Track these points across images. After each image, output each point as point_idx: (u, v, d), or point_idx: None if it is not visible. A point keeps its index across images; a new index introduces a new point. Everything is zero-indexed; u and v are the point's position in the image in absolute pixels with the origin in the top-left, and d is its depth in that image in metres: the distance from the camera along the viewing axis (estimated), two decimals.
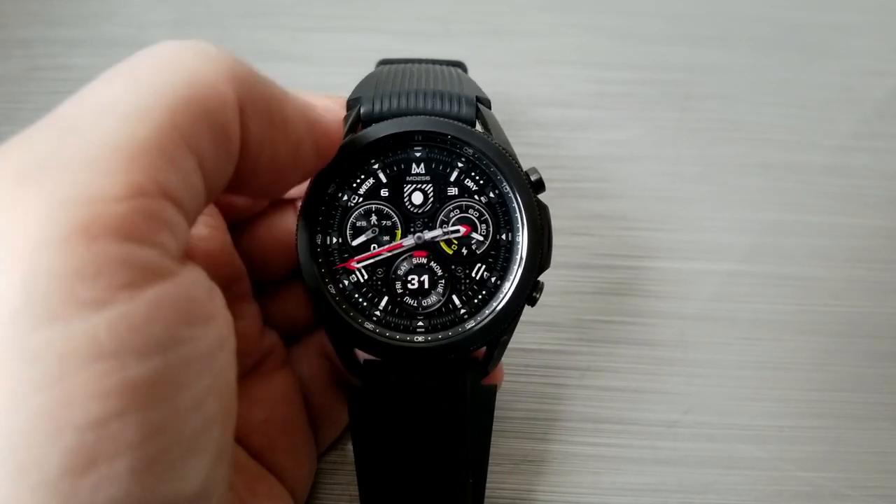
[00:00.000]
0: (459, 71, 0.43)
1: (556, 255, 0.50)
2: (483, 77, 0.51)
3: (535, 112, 0.56)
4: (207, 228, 0.36)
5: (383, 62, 0.46)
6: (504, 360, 0.45)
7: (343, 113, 0.38)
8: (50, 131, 0.24)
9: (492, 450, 0.43)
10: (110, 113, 0.24)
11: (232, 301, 0.30)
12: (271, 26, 0.59)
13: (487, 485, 0.42)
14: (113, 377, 0.21)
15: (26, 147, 0.24)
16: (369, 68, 0.45)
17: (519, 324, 0.40)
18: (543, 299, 0.47)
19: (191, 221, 0.27)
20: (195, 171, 0.26)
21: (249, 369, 0.38)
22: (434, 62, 0.45)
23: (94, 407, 0.21)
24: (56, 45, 0.58)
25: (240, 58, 0.28)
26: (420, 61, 0.45)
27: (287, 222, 0.40)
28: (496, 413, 0.45)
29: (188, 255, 0.28)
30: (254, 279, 0.40)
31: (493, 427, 0.40)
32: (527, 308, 0.39)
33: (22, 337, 0.21)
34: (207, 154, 0.26)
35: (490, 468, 0.44)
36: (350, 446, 0.44)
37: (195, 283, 0.26)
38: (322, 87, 0.55)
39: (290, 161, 0.31)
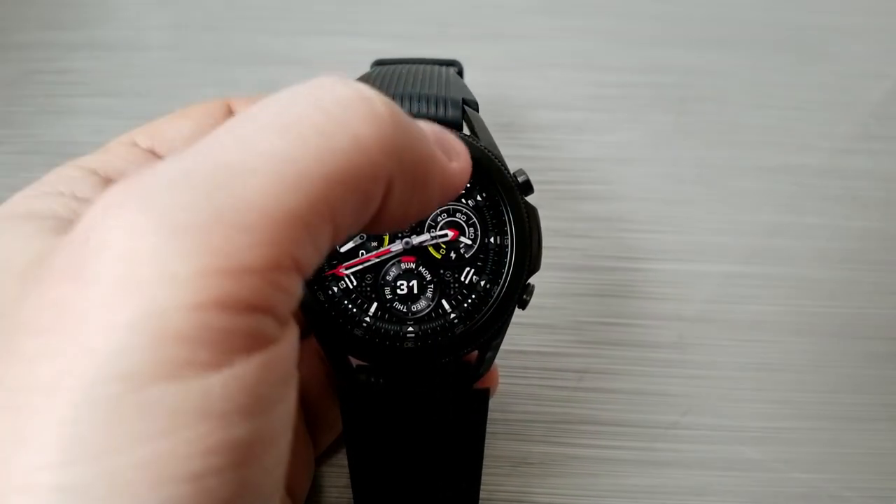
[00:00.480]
0: (450, 72, 0.43)
1: (555, 256, 0.50)
2: (480, 80, 0.51)
3: (533, 115, 0.56)
4: None
5: (378, 63, 0.46)
6: (502, 362, 0.45)
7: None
8: (210, 175, 0.23)
9: (490, 452, 0.43)
10: (272, 174, 0.23)
11: None
12: (269, 30, 0.59)
13: (486, 486, 0.42)
14: (218, 435, 0.22)
15: (180, 190, 0.22)
16: (367, 71, 0.45)
17: (517, 326, 0.40)
18: (541, 301, 0.47)
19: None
20: (329, 241, 0.25)
21: None
22: (428, 62, 0.45)
23: (197, 462, 0.21)
24: (54, 49, 0.58)
25: (398, 112, 0.26)
26: (414, 61, 0.45)
27: None
28: (494, 415, 0.45)
29: None
30: None
31: (491, 429, 0.40)
32: (525, 310, 0.39)
33: (140, 390, 0.21)
34: (344, 223, 0.25)
35: (488, 470, 0.44)
36: None
37: (293, 344, 0.25)
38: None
39: (417, 214, 0.30)
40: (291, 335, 0.25)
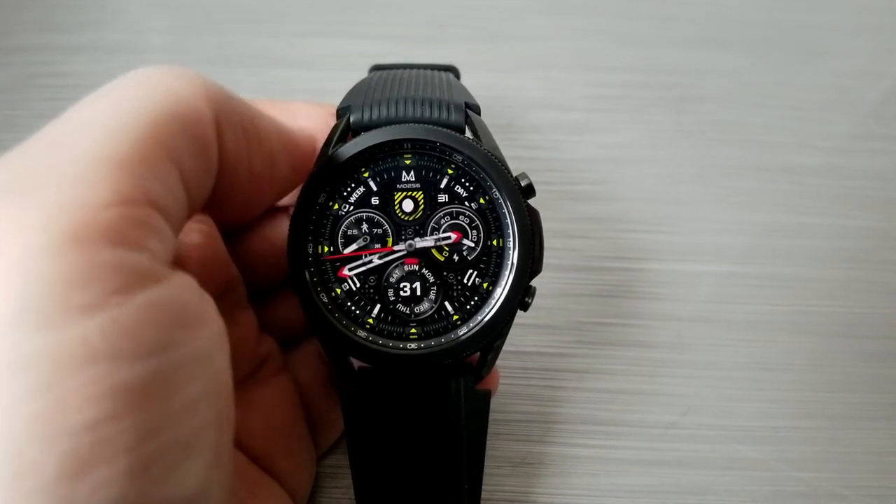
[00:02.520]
0: (450, 76, 0.43)
1: (555, 257, 0.51)
2: (480, 81, 0.52)
3: (533, 115, 0.56)
4: (201, 236, 0.36)
5: (375, 67, 0.46)
6: (502, 362, 0.45)
7: (328, 123, 0.39)
8: (36, 148, 0.25)
9: (490, 452, 0.43)
10: (94, 128, 0.25)
11: (227, 308, 0.30)
12: (269, 32, 0.59)
13: (486, 487, 0.43)
14: (105, 381, 0.22)
15: (12, 163, 0.24)
16: (366, 73, 0.45)
17: (517, 327, 0.40)
18: (541, 302, 0.47)
19: (176, 230, 0.27)
20: (177, 182, 0.27)
21: (246, 376, 0.38)
22: (426, 67, 0.45)
23: (88, 411, 0.21)
24: (55, 52, 0.58)
25: (207, 77, 0.30)
26: (412, 66, 0.45)
27: (282, 228, 0.40)
28: (495, 416, 0.46)
29: (182, 263, 0.28)
30: (250, 285, 0.40)
31: (492, 429, 0.40)
32: (525, 311, 0.39)
33: (16, 344, 0.21)
34: (188, 165, 0.27)
35: (488, 470, 0.44)
36: None
37: (185, 287, 0.26)
38: (320, 92, 0.56)
39: (267, 174, 0.32)
40: (181, 278, 0.26)
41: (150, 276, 0.24)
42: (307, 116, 0.39)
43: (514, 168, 0.39)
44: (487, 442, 0.40)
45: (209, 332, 0.26)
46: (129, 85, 0.27)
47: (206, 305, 0.27)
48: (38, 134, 0.26)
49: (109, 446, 0.22)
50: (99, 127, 0.25)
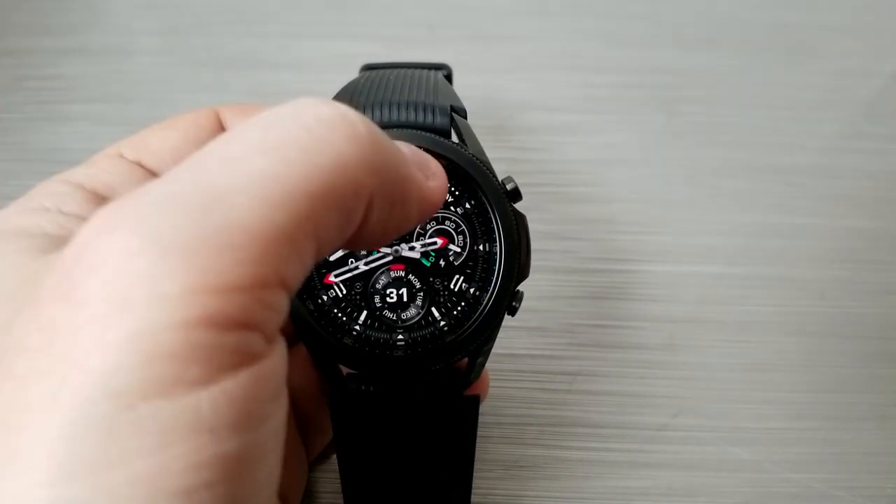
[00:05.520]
0: (438, 77, 0.43)
1: (546, 259, 0.50)
2: (470, 82, 0.51)
3: (523, 117, 0.56)
4: None
5: (367, 67, 0.46)
6: (494, 365, 0.45)
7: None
8: (198, 197, 0.23)
9: (482, 455, 0.43)
10: (258, 194, 0.23)
11: None
12: (260, 34, 0.59)
13: (478, 490, 0.42)
14: (209, 450, 0.22)
15: (170, 212, 0.23)
16: (357, 73, 0.45)
17: (509, 329, 0.40)
18: (533, 304, 0.47)
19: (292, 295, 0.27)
20: (312, 256, 0.26)
21: None
22: (417, 66, 0.45)
23: (189, 477, 0.22)
24: (44, 55, 0.58)
25: (377, 132, 0.27)
26: (403, 65, 0.45)
27: None
28: (487, 419, 0.46)
29: None
30: None
31: (484, 433, 0.40)
32: (513, 316, 0.39)
33: (134, 407, 0.21)
34: (327, 238, 0.26)
35: (481, 474, 0.44)
36: None
37: (281, 360, 0.26)
38: (311, 94, 0.55)
39: (395, 231, 0.31)
40: (279, 352, 0.25)
41: (260, 353, 0.24)
42: None
43: (506, 170, 0.39)
44: (479, 445, 0.40)
45: (285, 400, 0.27)
46: (300, 137, 0.24)
47: (286, 368, 0.27)
48: (198, 169, 0.24)
49: None
50: (262, 193, 0.23)
